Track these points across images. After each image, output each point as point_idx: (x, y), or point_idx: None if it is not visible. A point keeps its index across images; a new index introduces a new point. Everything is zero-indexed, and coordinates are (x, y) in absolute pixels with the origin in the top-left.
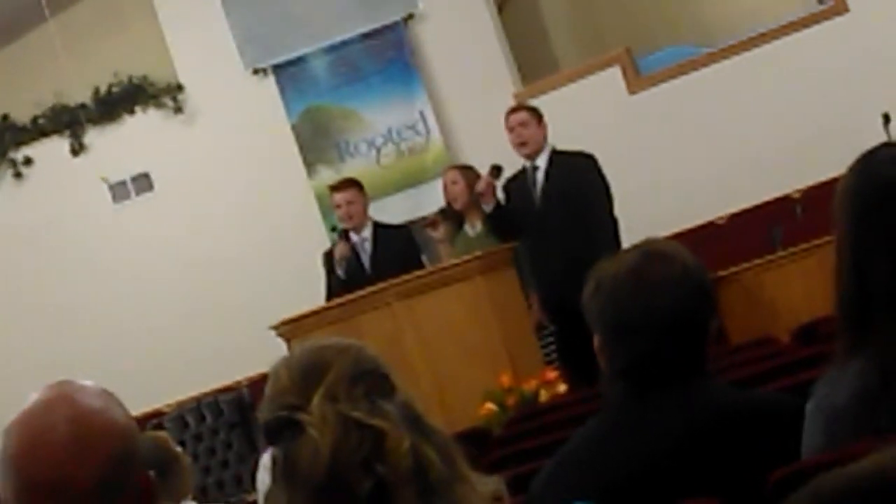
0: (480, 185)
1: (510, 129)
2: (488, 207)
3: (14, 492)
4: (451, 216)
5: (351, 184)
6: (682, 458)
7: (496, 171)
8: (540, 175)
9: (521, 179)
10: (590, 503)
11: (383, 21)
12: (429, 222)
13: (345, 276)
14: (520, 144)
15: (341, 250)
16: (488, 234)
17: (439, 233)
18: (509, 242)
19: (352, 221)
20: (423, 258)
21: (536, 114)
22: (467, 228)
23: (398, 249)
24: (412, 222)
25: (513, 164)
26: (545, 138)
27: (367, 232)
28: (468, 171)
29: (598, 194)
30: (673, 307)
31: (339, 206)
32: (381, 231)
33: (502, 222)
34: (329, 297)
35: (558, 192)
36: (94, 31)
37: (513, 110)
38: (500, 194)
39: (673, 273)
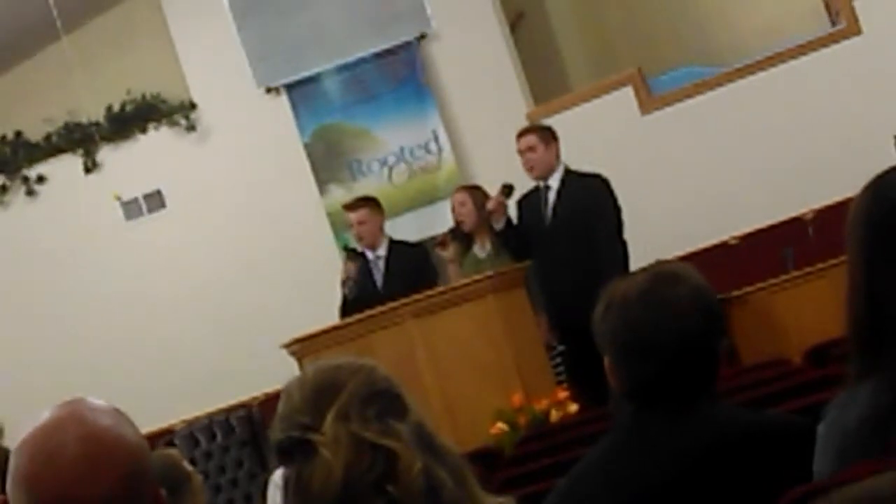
0: (491, 204)
1: (519, 153)
2: (499, 225)
3: None
4: (460, 237)
5: (364, 203)
6: (693, 480)
7: (507, 189)
8: (552, 195)
9: (534, 198)
10: None
11: (396, 40)
12: (438, 242)
13: (351, 297)
14: (528, 169)
15: (346, 270)
16: (497, 256)
17: (449, 252)
18: (521, 260)
19: (364, 241)
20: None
21: (545, 135)
22: (476, 249)
23: (412, 267)
24: (424, 241)
25: (525, 182)
26: (557, 158)
27: (383, 250)
28: (476, 192)
29: (608, 216)
30: (682, 329)
31: (351, 226)
32: (397, 248)
33: (513, 240)
34: (343, 315)
35: (569, 212)
36: (107, 49)
37: (521, 133)
38: (514, 211)
39: (682, 295)
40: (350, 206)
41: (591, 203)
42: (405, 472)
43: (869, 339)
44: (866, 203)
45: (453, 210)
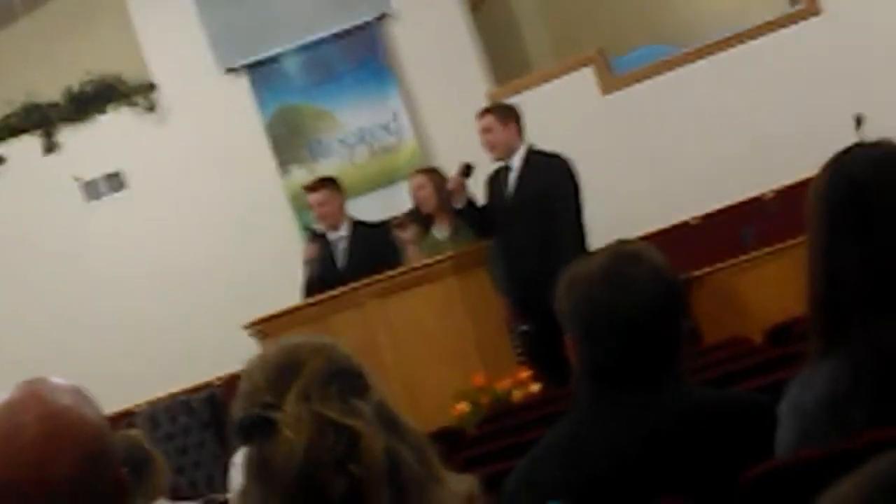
0: (450, 184)
1: (479, 134)
2: (459, 205)
3: None
4: (419, 218)
5: (324, 183)
6: (654, 457)
7: (467, 169)
8: (513, 175)
9: (500, 177)
10: (563, 502)
11: (356, 21)
12: (397, 223)
13: (312, 278)
14: (487, 150)
15: (308, 252)
16: (456, 237)
17: (408, 234)
18: (484, 239)
19: (326, 221)
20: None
21: (503, 115)
22: (435, 231)
23: (374, 248)
24: (386, 221)
25: (486, 162)
26: (519, 137)
27: (345, 230)
28: (434, 174)
29: (567, 197)
30: (642, 308)
31: (312, 207)
32: (359, 229)
33: (473, 220)
34: (305, 296)
35: (528, 192)
36: (66, 30)
37: (480, 114)
38: (481, 190)
39: (643, 274)
40: (310, 187)
41: (550, 183)
42: (367, 450)
43: (828, 318)
44: (825, 183)
45: (412, 192)
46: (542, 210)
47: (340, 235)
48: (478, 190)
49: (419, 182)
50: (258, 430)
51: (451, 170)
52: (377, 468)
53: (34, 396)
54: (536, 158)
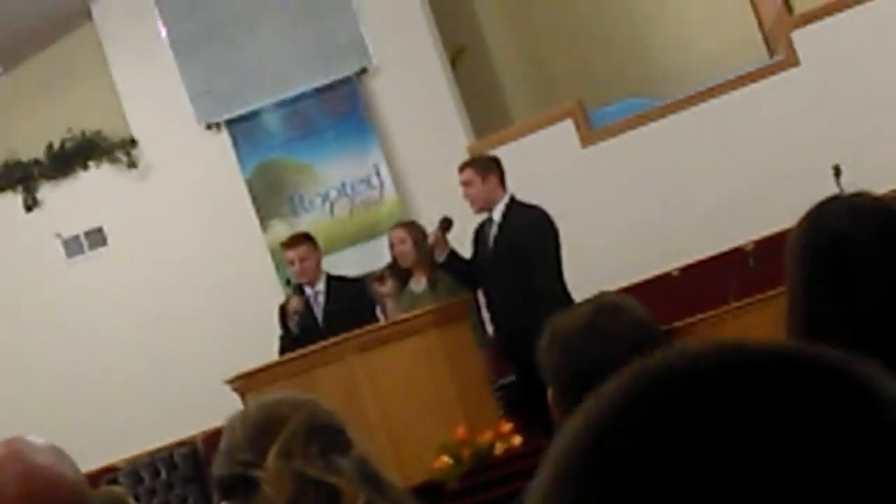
0: (431, 238)
1: (461, 187)
2: (441, 258)
3: None
4: (398, 272)
5: (303, 239)
6: None
7: (446, 223)
8: (494, 227)
9: (483, 229)
10: None
11: (337, 75)
12: (376, 277)
13: (298, 331)
14: (469, 203)
15: (294, 305)
16: (433, 291)
17: (386, 288)
18: (469, 291)
19: (305, 277)
20: (378, 311)
21: (482, 168)
22: (413, 285)
23: (351, 303)
24: (366, 276)
25: (469, 215)
26: (499, 189)
27: (321, 285)
28: (414, 228)
29: (545, 249)
30: (625, 360)
31: (291, 263)
32: (335, 284)
33: (458, 272)
34: (282, 351)
35: (507, 244)
36: (47, 87)
37: (460, 168)
38: (468, 242)
39: (625, 326)
40: (289, 244)
41: (528, 236)
42: None
43: None
44: (804, 233)
45: (391, 246)
46: (521, 262)
47: (318, 290)
48: (465, 242)
49: (399, 236)
50: (239, 487)
51: (432, 223)
52: None
53: (13, 455)
54: (516, 211)
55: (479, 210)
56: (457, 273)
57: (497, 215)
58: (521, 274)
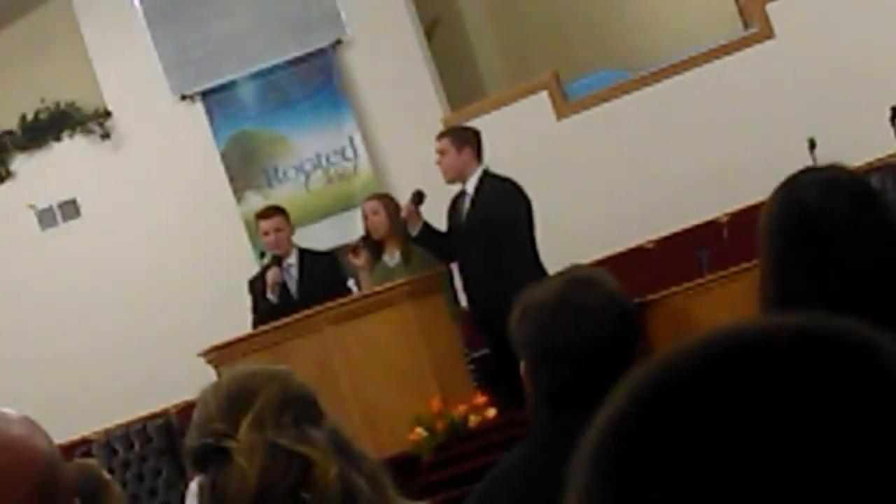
0: (404, 212)
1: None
2: (415, 231)
3: None
4: (371, 245)
5: (277, 211)
6: None
7: (418, 196)
8: (467, 200)
9: (458, 202)
10: None
11: (311, 47)
12: (350, 250)
13: (277, 301)
14: (442, 173)
15: (274, 275)
16: (407, 264)
17: (360, 261)
18: (443, 263)
19: (280, 248)
20: (351, 284)
21: (458, 139)
22: (386, 258)
23: (324, 276)
24: (341, 248)
25: (441, 187)
26: (473, 161)
27: (293, 258)
28: (388, 201)
29: (517, 222)
30: (596, 333)
31: (266, 234)
32: (307, 257)
33: (432, 245)
34: (257, 323)
35: (479, 217)
36: (20, 58)
37: (437, 137)
38: (444, 214)
39: (596, 300)
40: (264, 215)
41: (500, 209)
42: (321, 478)
43: None
44: (777, 206)
45: (365, 218)
46: (493, 234)
47: (290, 263)
48: (441, 214)
49: (372, 207)
50: (211, 458)
51: (406, 196)
52: (331, 495)
53: None
54: (488, 183)
55: (451, 181)
56: (431, 246)
57: (470, 188)
58: (493, 247)
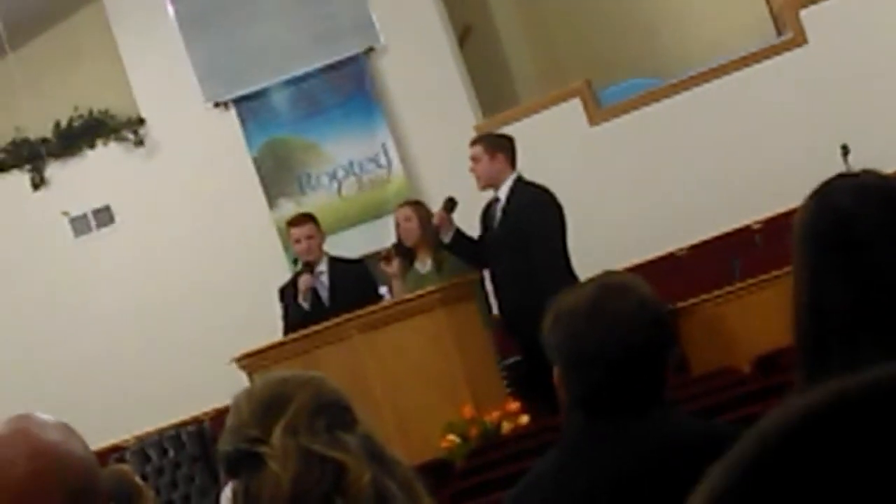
0: (436, 219)
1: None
2: (447, 238)
3: None
4: (403, 252)
5: (308, 218)
6: (641, 489)
7: (450, 203)
8: (500, 206)
9: (490, 209)
10: None
11: (344, 54)
12: (382, 257)
13: (309, 308)
14: (475, 179)
15: (306, 282)
16: (439, 271)
17: (392, 268)
18: (476, 270)
19: (311, 255)
20: (383, 291)
21: (492, 146)
22: (418, 265)
23: (355, 284)
24: (373, 255)
25: (474, 194)
26: (507, 168)
27: (324, 266)
28: (420, 208)
29: (549, 230)
30: (628, 339)
31: (298, 241)
32: (337, 265)
33: (465, 252)
34: (288, 330)
35: (511, 224)
36: (54, 65)
37: (471, 143)
38: (475, 222)
39: (629, 306)
40: (295, 222)
41: (532, 215)
42: (354, 484)
43: (814, 349)
44: (810, 213)
45: (397, 225)
46: (525, 241)
47: (320, 271)
48: (473, 221)
49: (406, 214)
50: (245, 464)
51: (439, 203)
52: (364, 501)
53: (21, 433)
54: (521, 190)
55: (484, 187)
56: (463, 253)
57: (503, 194)
58: (525, 253)
